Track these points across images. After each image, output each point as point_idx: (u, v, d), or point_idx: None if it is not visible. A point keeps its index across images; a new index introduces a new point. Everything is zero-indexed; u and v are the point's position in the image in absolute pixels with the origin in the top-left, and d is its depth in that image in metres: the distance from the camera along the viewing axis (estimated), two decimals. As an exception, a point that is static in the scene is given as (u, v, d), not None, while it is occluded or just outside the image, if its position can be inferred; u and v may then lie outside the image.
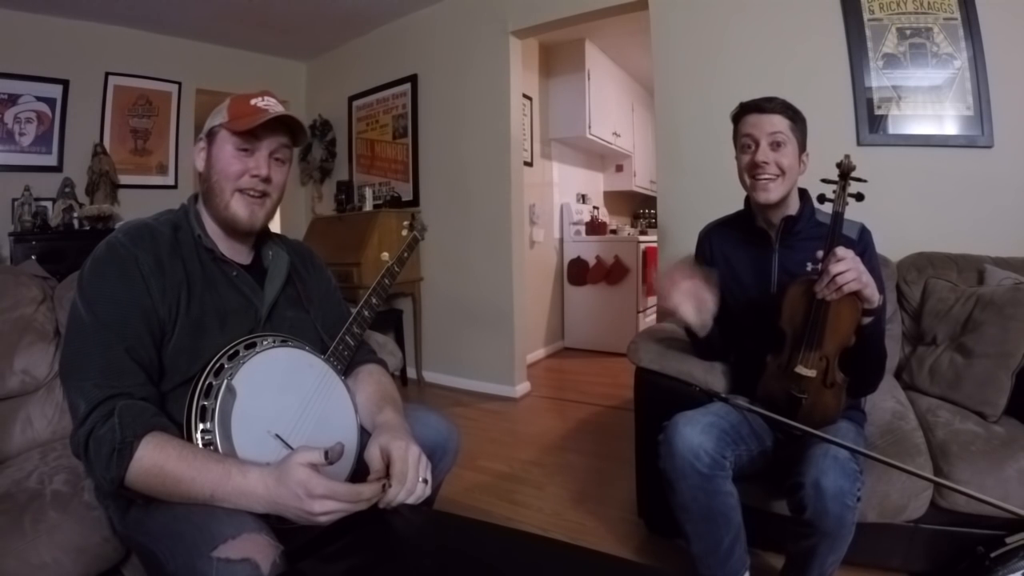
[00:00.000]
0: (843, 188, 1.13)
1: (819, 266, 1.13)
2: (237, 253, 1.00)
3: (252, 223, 0.96)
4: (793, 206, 1.30)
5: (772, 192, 1.23)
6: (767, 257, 1.32)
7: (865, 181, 1.12)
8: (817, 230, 1.25)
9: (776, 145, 1.22)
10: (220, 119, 0.95)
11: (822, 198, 1.16)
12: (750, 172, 1.25)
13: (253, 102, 0.95)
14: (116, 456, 0.75)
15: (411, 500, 0.83)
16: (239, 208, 0.94)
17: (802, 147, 1.26)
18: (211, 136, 0.96)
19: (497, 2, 3.14)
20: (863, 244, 1.22)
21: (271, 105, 0.96)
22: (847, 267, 1.04)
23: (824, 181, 1.16)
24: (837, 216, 1.12)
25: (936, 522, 1.29)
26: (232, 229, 0.97)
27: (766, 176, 1.22)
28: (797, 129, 1.24)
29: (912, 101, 2.06)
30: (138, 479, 0.76)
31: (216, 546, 0.70)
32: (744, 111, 1.28)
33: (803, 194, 1.32)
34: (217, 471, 0.75)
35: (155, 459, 0.76)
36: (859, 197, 1.13)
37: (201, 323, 0.89)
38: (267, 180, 0.95)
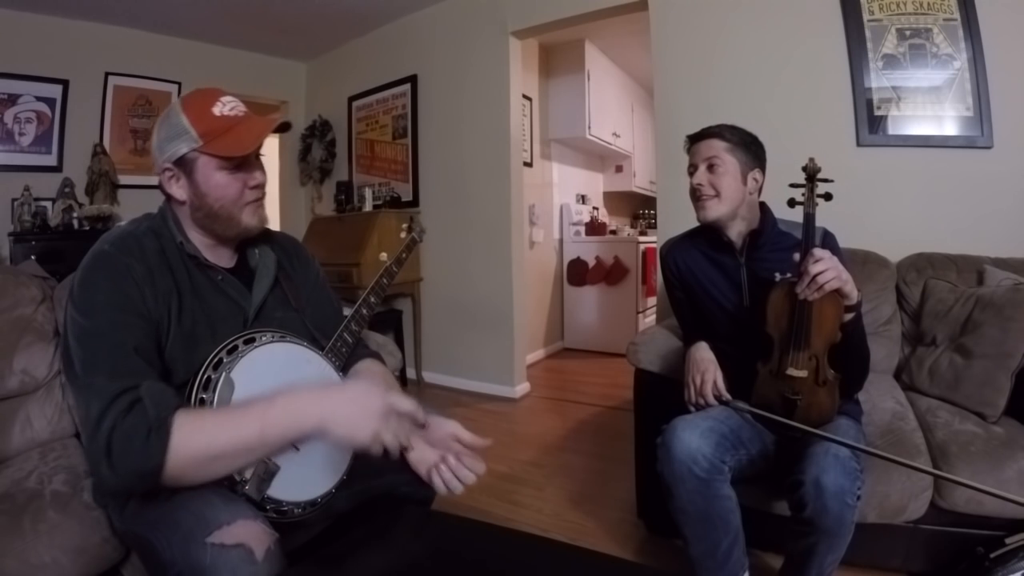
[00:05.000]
0: (811, 190, 1.16)
1: (788, 275, 1.20)
2: (220, 257, 0.97)
3: (263, 223, 0.97)
4: (755, 220, 1.35)
5: (710, 211, 1.31)
6: (735, 270, 1.36)
7: (831, 181, 1.15)
8: (781, 240, 1.31)
9: (711, 167, 1.30)
10: (189, 143, 0.86)
11: (792, 202, 1.18)
12: (691, 194, 1.35)
13: (218, 111, 0.87)
14: (154, 436, 0.70)
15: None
16: (250, 220, 0.94)
17: (748, 166, 1.32)
18: (184, 163, 0.88)
19: (497, 2, 3.14)
20: (827, 248, 1.22)
21: (237, 108, 0.90)
22: (826, 266, 1.07)
23: (792, 186, 1.18)
24: (809, 218, 1.15)
25: (936, 523, 1.29)
26: (230, 237, 0.96)
27: (702, 196, 1.31)
28: (736, 150, 1.31)
29: (912, 102, 2.06)
30: (181, 450, 0.71)
31: (211, 532, 0.70)
32: (690, 142, 1.38)
33: (764, 208, 1.37)
34: (259, 404, 0.75)
35: (194, 423, 0.73)
36: (827, 197, 1.16)
37: (193, 333, 0.88)
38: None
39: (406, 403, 0.79)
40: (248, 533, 0.71)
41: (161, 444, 0.70)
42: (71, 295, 0.83)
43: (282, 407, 0.75)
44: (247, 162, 0.90)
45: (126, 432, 0.71)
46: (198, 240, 0.94)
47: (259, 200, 0.95)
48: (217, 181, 0.88)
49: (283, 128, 0.96)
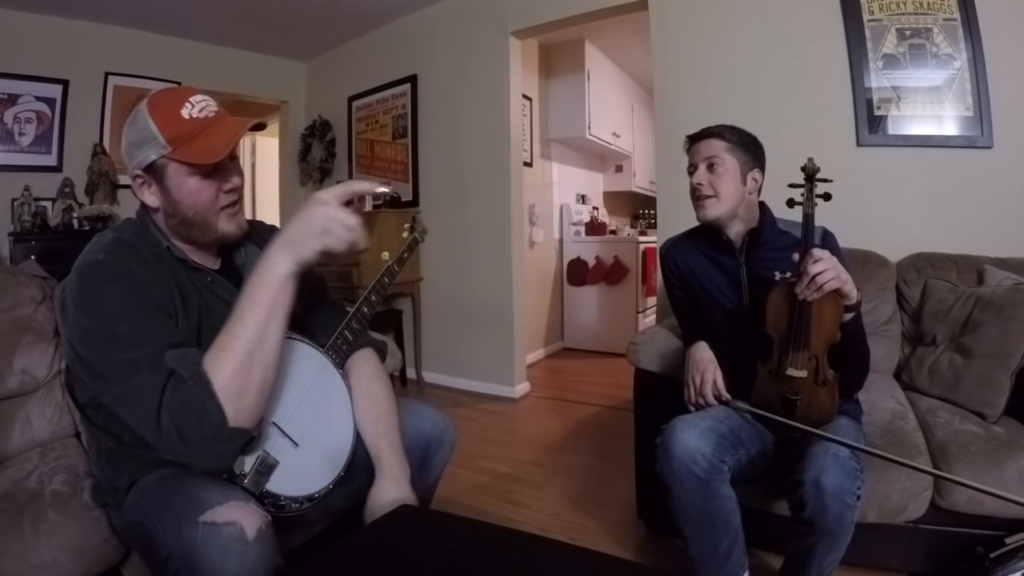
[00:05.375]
0: (810, 190, 1.16)
1: (788, 275, 1.20)
2: (205, 259, 0.96)
3: (242, 229, 0.94)
4: (754, 220, 1.35)
5: (709, 211, 1.31)
6: (735, 269, 1.36)
7: (830, 181, 1.15)
8: (780, 239, 1.32)
9: (711, 167, 1.31)
10: (157, 150, 0.83)
11: (791, 203, 1.18)
12: (691, 194, 1.35)
13: (187, 114, 0.83)
14: (202, 392, 0.72)
15: None
16: (227, 226, 0.91)
17: (748, 166, 1.32)
18: (154, 170, 0.85)
19: (497, 2, 3.14)
20: (827, 248, 1.22)
21: (208, 108, 0.85)
22: (825, 266, 1.07)
23: (792, 186, 1.18)
24: (808, 218, 1.14)
25: (936, 522, 1.29)
26: (208, 243, 0.94)
27: (701, 195, 1.31)
28: (736, 150, 1.31)
29: (912, 102, 2.06)
30: (224, 378, 0.74)
31: (203, 512, 0.70)
32: (690, 142, 1.38)
33: (763, 207, 1.37)
34: (241, 294, 0.79)
35: (215, 352, 0.75)
36: (826, 197, 1.16)
37: (199, 332, 0.87)
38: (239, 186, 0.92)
39: (336, 191, 0.81)
40: (240, 512, 0.71)
41: (209, 392, 0.73)
42: (78, 309, 0.79)
43: (256, 277, 0.79)
44: (221, 165, 0.86)
45: (181, 408, 0.72)
46: (179, 244, 0.92)
47: (235, 204, 0.91)
48: (190, 188, 0.85)
49: (257, 128, 0.93)
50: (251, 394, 0.76)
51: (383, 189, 0.98)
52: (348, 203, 0.82)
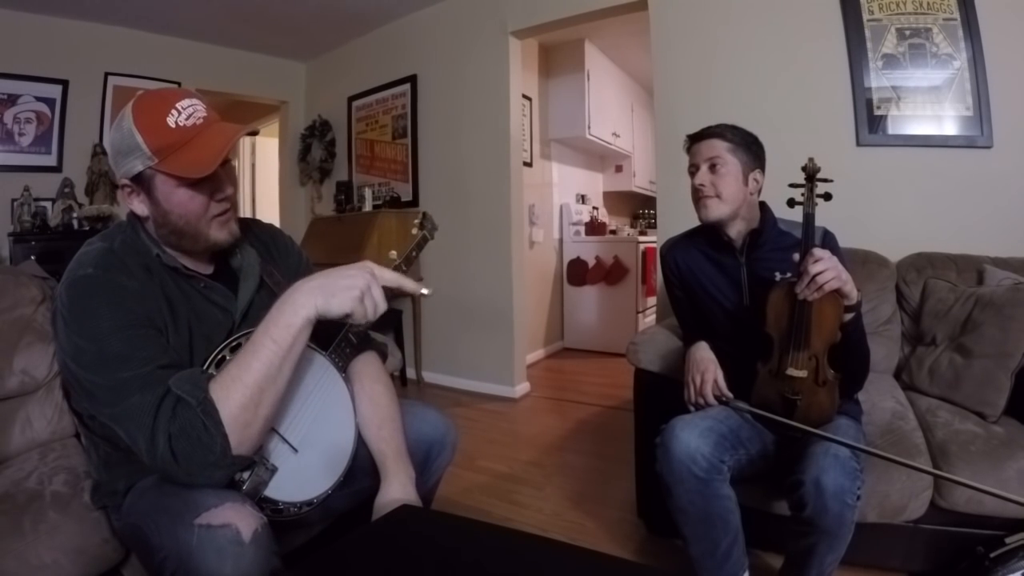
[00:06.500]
0: (811, 190, 1.16)
1: (788, 275, 1.20)
2: (199, 265, 0.94)
3: (234, 236, 0.92)
4: (755, 220, 1.35)
5: (712, 211, 1.31)
6: (736, 269, 1.36)
7: (831, 181, 1.14)
8: (781, 240, 1.32)
9: (713, 167, 1.30)
10: (143, 160, 0.80)
11: (792, 202, 1.18)
12: (692, 194, 1.35)
13: (173, 122, 0.79)
14: (207, 420, 0.72)
15: None
16: (218, 234, 0.89)
17: (749, 167, 1.32)
18: (142, 180, 0.83)
19: (497, 2, 3.14)
20: (828, 248, 1.21)
21: (195, 115, 0.82)
22: (826, 266, 1.07)
23: (792, 186, 1.17)
24: (808, 218, 1.14)
25: (936, 522, 1.29)
26: (199, 252, 0.92)
27: (703, 196, 1.31)
28: (738, 150, 1.31)
29: (911, 101, 2.06)
30: (232, 410, 0.73)
31: (199, 514, 0.70)
32: (690, 141, 1.37)
33: (764, 207, 1.37)
34: (260, 326, 0.78)
35: (225, 381, 0.75)
36: (827, 197, 1.16)
37: (190, 345, 0.87)
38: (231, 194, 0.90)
39: (388, 275, 0.84)
40: (235, 514, 0.71)
41: (215, 422, 0.72)
42: (68, 327, 0.78)
43: (279, 313, 0.78)
44: (212, 174, 0.82)
45: (182, 432, 0.72)
46: (171, 251, 0.90)
47: (227, 213, 0.89)
48: (179, 198, 0.83)
49: (249, 134, 0.92)
50: (257, 425, 0.76)
51: (425, 292, 1.00)
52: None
